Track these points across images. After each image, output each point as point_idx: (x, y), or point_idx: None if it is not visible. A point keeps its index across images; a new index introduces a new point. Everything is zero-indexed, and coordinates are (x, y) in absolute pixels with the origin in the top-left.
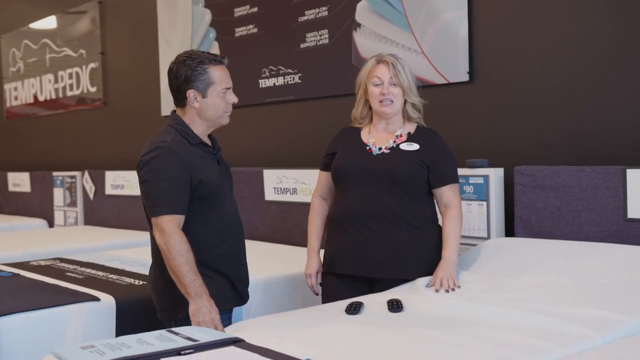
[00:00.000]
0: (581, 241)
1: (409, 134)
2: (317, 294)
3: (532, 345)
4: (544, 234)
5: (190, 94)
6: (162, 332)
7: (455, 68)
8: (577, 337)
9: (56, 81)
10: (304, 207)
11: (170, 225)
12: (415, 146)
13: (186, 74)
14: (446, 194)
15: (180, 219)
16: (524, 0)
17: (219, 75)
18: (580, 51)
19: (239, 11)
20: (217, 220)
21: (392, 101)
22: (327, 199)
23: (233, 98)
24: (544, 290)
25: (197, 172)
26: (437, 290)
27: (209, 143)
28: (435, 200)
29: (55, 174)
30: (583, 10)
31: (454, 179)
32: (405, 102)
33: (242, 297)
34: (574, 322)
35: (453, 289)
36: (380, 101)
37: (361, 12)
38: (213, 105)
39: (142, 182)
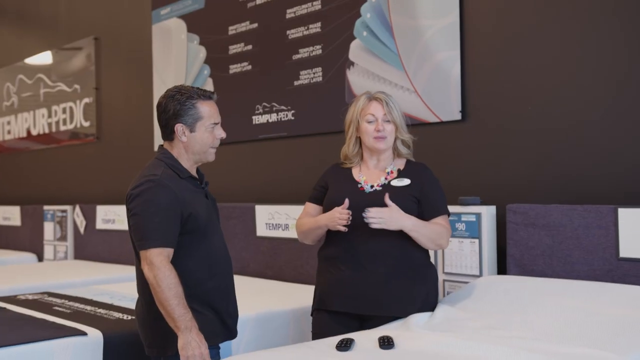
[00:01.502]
0: (573, 280)
1: (399, 170)
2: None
3: None
4: (536, 272)
5: (178, 128)
6: None
7: (447, 107)
8: None
9: (50, 116)
10: (296, 243)
11: (160, 259)
12: (406, 181)
13: (175, 108)
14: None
15: (169, 252)
16: (516, 41)
17: (207, 110)
18: (572, 91)
19: (234, 49)
20: (206, 254)
21: (386, 137)
22: None
23: (221, 133)
24: (535, 328)
25: (188, 206)
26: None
27: (197, 177)
28: None
29: (46, 207)
30: (574, 52)
31: (444, 210)
32: (395, 138)
33: (231, 332)
34: None
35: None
36: (375, 137)
37: (355, 51)
38: (201, 139)
39: (132, 215)
